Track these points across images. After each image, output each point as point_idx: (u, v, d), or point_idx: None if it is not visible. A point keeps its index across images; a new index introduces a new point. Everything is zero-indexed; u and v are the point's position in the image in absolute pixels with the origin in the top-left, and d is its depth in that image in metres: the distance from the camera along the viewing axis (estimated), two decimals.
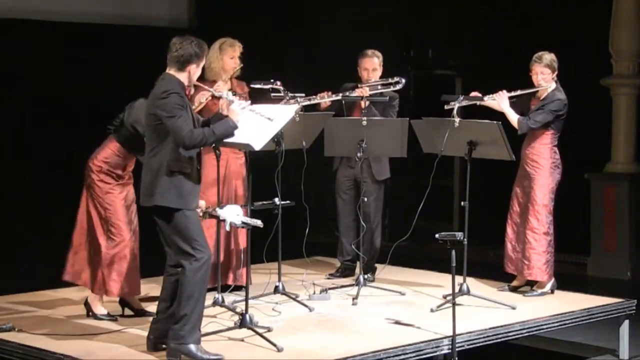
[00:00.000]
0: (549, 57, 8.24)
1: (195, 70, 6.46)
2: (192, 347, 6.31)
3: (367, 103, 8.55)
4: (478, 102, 8.32)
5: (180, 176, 6.33)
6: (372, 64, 8.72)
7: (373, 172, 8.71)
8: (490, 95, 8.28)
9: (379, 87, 8.63)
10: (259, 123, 6.79)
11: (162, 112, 6.28)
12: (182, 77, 6.41)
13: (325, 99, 8.43)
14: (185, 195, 6.34)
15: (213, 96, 7.67)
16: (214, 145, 7.28)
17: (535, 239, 8.29)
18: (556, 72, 8.26)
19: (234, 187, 8.19)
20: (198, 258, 6.33)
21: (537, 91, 8.29)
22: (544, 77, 8.21)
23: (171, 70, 6.42)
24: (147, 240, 7.18)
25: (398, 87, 8.60)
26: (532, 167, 8.29)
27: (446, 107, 8.12)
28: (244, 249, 8.02)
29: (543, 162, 8.27)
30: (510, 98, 8.23)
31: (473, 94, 8.36)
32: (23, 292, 8.09)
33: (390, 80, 8.62)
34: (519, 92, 8.22)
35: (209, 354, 6.36)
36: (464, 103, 8.16)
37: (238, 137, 6.75)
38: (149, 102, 6.43)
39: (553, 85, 8.27)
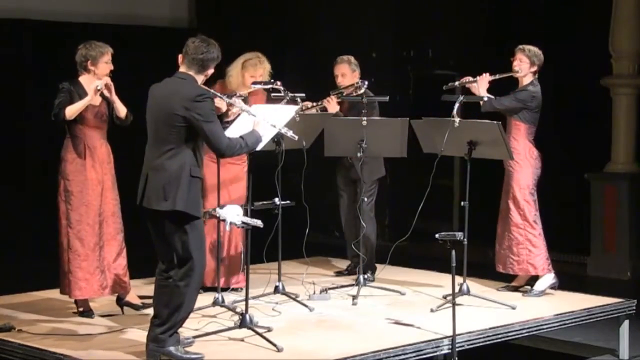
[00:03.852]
0: (534, 49, 8.34)
1: (209, 74, 6.41)
2: (172, 348, 6.32)
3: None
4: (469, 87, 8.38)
5: (198, 182, 6.29)
6: (340, 70, 8.81)
7: (364, 172, 8.69)
8: (471, 79, 8.35)
9: (350, 93, 8.58)
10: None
11: (197, 116, 6.13)
12: (200, 79, 6.33)
13: (331, 103, 8.52)
14: (199, 202, 6.35)
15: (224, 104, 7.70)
16: None
17: (520, 234, 8.33)
18: (536, 68, 8.33)
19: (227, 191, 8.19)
20: (194, 270, 6.29)
21: (517, 84, 8.37)
22: (522, 64, 8.30)
23: (191, 71, 6.30)
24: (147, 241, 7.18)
25: (360, 91, 8.47)
26: (510, 165, 8.33)
27: (445, 87, 8.23)
28: (242, 252, 8.07)
29: (519, 158, 8.29)
30: (491, 82, 8.30)
31: (465, 79, 8.39)
32: (23, 292, 8.09)
33: (354, 84, 8.59)
34: (497, 76, 8.31)
35: (189, 354, 6.37)
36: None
37: None
38: (175, 102, 6.18)
39: (529, 79, 8.34)
